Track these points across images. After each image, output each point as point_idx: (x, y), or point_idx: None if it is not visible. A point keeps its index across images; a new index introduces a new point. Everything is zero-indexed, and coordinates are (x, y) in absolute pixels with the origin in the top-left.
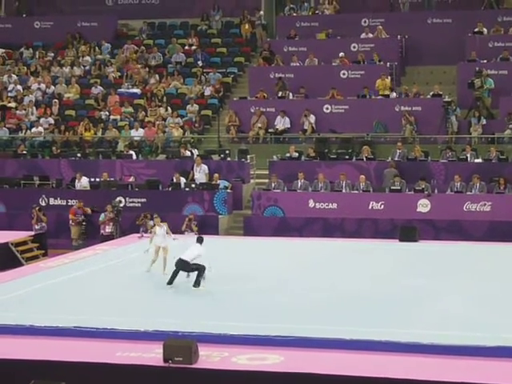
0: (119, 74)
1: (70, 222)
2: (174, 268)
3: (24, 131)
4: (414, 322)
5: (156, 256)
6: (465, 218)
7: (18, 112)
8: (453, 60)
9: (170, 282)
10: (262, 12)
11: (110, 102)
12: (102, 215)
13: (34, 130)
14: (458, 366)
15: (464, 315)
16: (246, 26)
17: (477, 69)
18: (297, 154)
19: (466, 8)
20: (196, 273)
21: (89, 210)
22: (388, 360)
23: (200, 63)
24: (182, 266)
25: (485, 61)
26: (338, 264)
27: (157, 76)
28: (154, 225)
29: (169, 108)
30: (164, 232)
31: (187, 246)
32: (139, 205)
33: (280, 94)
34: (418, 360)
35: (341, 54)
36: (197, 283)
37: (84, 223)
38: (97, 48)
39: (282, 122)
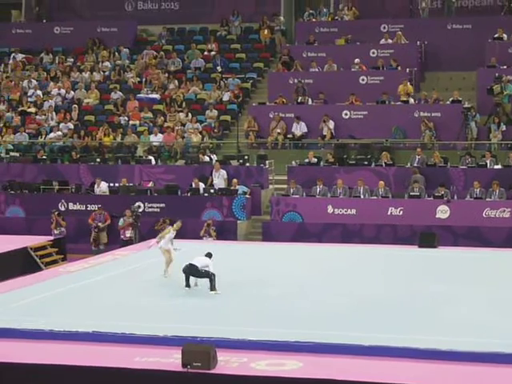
0: (138, 79)
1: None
2: (183, 273)
3: (44, 136)
4: (434, 329)
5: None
6: (484, 224)
7: (37, 117)
8: (472, 66)
9: (188, 285)
10: (281, 17)
11: (129, 107)
12: (121, 220)
13: (53, 135)
14: (476, 372)
15: (483, 322)
16: (266, 32)
17: (496, 75)
18: (315, 160)
19: (485, 14)
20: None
21: (108, 220)
22: (407, 366)
23: (219, 68)
24: (191, 271)
25: (505, 67)
26: (357, 270)
27: (176, 81)
28: (170, 228)
29: (188, 113)
30: (171, 238)
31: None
32: (158, 210)
33: (299, 99)
34: (437, 367)
35: (356, 61)
36: (213, 287)
37: (96, 230)
38: (116, 53)
39: (297, 128)
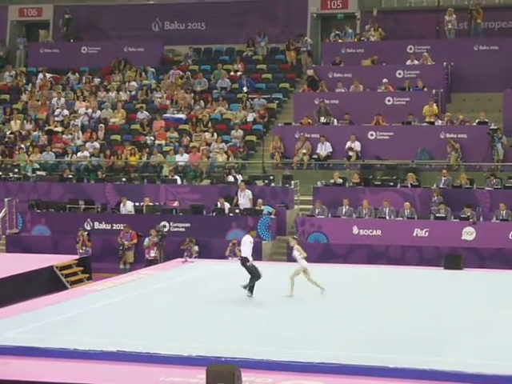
0: (167, 100)
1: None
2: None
3: (70, 155)
4: (459, 351)
5: None
6: (510, 246)
7: (64, 136)
8: (499, 87)
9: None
10: (307, 38)
11: (155, 127)
12: (147, 240)
13: (79, 154)
14: None
15: (510, 345)
16: (292, 53)
17: None
18: (341, 181)
19: None
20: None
21: (135, 239)
22: None
23: (245, 89)
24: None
25: None
26: (383, 291)
27: (202, 101)
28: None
29: (214, 133)
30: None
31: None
32: (183, 229)
33: (323, 119)
34: None
35: (384, 81)
36: (247, 286)
37: (121, 248)
38: (143, 73)
39: (323, 148)
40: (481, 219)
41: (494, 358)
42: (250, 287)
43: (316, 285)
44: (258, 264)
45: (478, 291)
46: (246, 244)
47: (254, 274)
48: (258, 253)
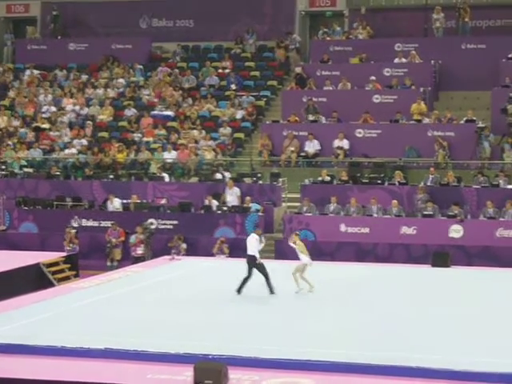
0: (155, 98)
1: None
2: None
3: (57, 152)
4: (447, 349)
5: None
6: (497, 244)
7: (51, 133)
8: (486, 85)
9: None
10: (296, 36)
11: (143, 124)
12: (133, 237)
13: (67, 151)
14: None
15: (497, 342)
16: (282, 51)
17: (510, 94)
18: (329, 178)
19: (500, 33)
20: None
21: (123, 236)
22: None
23: (233, 86)
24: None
25: None
26: (370, 289)
27: (190, 99)
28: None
29: (202, 131)
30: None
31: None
32: (171, 227)
33: (311, 117)
34: None
35: (372, 78)
36: (271, 289)
37: (109, 245)
38: (131, 70)
39: (311, 146)
40: (468, 217)
41: (482, 356)
42: (270, 287)
43: (307, 282)
44: (244, 261)
45: (466, 289)
46: (253, 242)
47: (264, 272)
48: (245, 250)
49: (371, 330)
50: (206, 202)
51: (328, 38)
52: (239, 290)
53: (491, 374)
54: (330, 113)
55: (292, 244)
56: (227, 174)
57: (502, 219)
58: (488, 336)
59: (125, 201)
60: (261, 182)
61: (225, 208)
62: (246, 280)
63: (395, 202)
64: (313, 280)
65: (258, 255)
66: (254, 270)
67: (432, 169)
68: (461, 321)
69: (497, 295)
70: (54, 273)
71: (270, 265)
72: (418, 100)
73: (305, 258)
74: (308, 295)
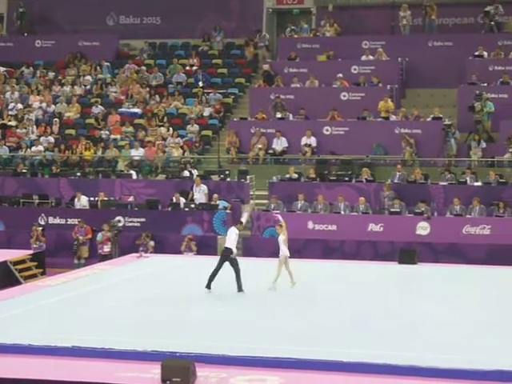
0: (122, 95)
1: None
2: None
3: (24, 150)
4: (412, 345)
5: None
6: (464, 241)
7: (18, 130)
8: (453, 83)
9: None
10: (265, 33)
11: (110, 121)
12: (100, 235)
13: (34, 148)
14: None
15: (462, 338)
16: (251, 49)
17: (477, 92)
18: (296, 176)
19: (466, 31)
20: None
21: (90, 234)
22: (386, 382)
23: (201, 84)
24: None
25: (485, 84)
26: (336, 286)
27: (157, 96)
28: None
29: (169, 128)
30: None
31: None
32: (138, 224)
33: (278, 114)
34: (415, 383)
35: (339, 75)
36: (239, 287)
37: (76, 243)
38: (98, 67)
39: (278, 143)
40: (435, 214)
41: (447, 352)
42: (239, 284)
43: (290, 277)
44: (214, 258)
45: (432, 286)
46: (231, 236)
47: (236, 268)
48: (213, 248)
49: (335, 327)
50: (174, 200)
51: (295, 36)
52: (209, 285)
53: (456, 370)
54: (297, 110)
55: (280, 237)
56: (195, 172)
57: (468, 216)
58: (453, 331)
59: (92, 198)
60: (228, 179)
61: (192, 205)
62: (214, 273)
63: (362, 199)
64: (282, 278)
65: (234, 250)
66: (226, 265)
67: (399, 166)
68: (426, 317)
69: (461, 291)
70: (20, 271)
71: (240, 262)
72: (385, 97)
73: (285, 250)
74: (277, 292)
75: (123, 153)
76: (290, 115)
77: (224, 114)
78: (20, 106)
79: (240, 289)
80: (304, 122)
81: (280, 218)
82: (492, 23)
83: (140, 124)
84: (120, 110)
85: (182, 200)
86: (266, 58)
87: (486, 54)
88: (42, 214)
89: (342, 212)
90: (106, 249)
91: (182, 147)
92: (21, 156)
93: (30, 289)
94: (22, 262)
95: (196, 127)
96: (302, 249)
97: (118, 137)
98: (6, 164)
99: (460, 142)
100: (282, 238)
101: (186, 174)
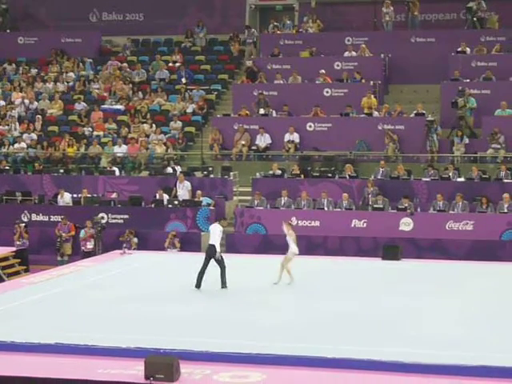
0: (105, 92)
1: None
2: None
3: (7, 147)
4: (396, 341)
5: None
6: (447, 236)
7: (0, 127)
8: (436, 79)
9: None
10: (254, 30)
11: (93, 118)
12: (82, 232)
13: (16, 145)
14: None
15: (446, 334)
16: (237, 45)
17: (460, 88)
18: (280, 172)
19: (449, 28)
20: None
21: (73, 231)
22: (369, 378)
23: (184, 80)
24: (210, 250)
25: (467, 80)
26: (320, 282)
27: (140, 93)
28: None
29: (152, 125)
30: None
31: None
32: (122, 221)
33: (262, 111)
34: (399, 379)
35: (321, 71)
36: (224, 284)
37: (59, 240)
38: (80, 64)
39: (262, 140)
40: (418, 210)
41: (430, 348)
42: (223, 281)
43: (289, 274)
44: (198, 255)
45: (415, 282)
46: (216, 233)
47: (222, 265)
48: (197, 244)
49: (319, 322)
50: (157, 196)
51: (278, 32)
52: (198, 285)
53: (439, 365)
54: (280, 106)
55: (288, 235)
56: (178, 168)
57: (451, 212)
58: (437, 327)
59: (75, 195)
60: (212, 175)
61: (176, 202)
62: (202, 272)
63: (346, 195)
64: (265, 274)
65: (218, 248)
66: (212, 261)
67: (382, 162)
68: (410, 313)
69: (445, 287)
70: (3, 268)
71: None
72: (368, 93)
73: (295, 247)
74: (262, 288)
75: (106, 149)
76: (274, 111)
77: (207, 111)
78: (2, 102)
79: (224, 285)
80: (287, 118)
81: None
82: (474, 19)
83: (123, 121)
84: (103, 106)
85: (166, 197)
86: (253, 54)
87: (468, 49)
88: (25, 211)
89: (326, 208)
90: (89, 246)
91: (165, 144)
92: (3, 153)
93: (14, 286)
94: (5, 259)
95: (179, 124)
96: (285, 245)
97: (101, 133)
98: None
99: (442, 138)
100: (292, 237)
101: (170, 170)
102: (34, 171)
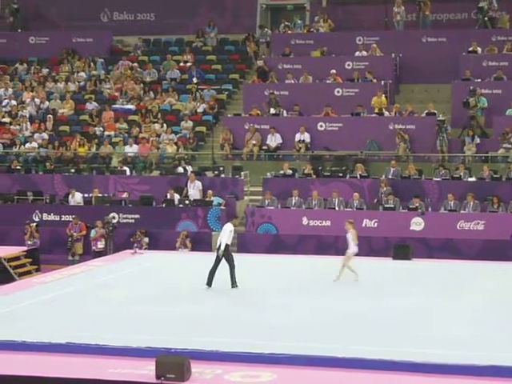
0: (116, 91)
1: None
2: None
3: (18, 146)
4: (409, 341)
5: None
6: (458, 236)
7: (12, 127)
8: (447, 78)
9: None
10: (267, 29)
11: (104, 117)
12: (93, 231)
13: (28, 145)
14: None
15: (456, 334)
16: (253, 45)
17: (471, 87)
18: (291, 172)
19: (460, 27)
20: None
21: (84, 230)
22: (380, 378)
23: (195, 80)
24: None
25: (479, 80)
26: (331, 282)
27: (151, 92)
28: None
29: (163, 124)
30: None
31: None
32: (133, 221)
33: (273, 110)
34: (412, 379)
35: (332, 71)
36: (233, 283)
37: (70, 240)
38: (92, 64)
39: (273, 139)
40: (429, 210)
41: (441, 348)
42: (233, 280)
43: (353, 271)
44: (209, 254)
45: (426, 281)
46: (226, 232)
47: (231, 264)
48: (208, 244)
49: (331, 322)
50: (168, 196)
51: (289, 32)
52: (209, 283)
53: (451, 365)
54: (291, 106)
55: (349, 234)
56: (189, 168)
57: (462, 212)
58: (448, 327)
59: (86, 195)
60: (223, 175)
61: (187, 202)
62: (213, 270)
63: (357, 194)
64: (276, 274)
65: (223, 246)
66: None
67: (393, 162)
68: (421, 313)
69: (456, 287)
70: (15, 267)
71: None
72: (379, 93)
73: (354, 246)
74: (272, 288)
75: (117, 149)
76: (284, 111)
77: (218, 110)
78: (14, 102)
79: (234, 284)
80: (298, 118)
81: (350, 237)
82: (486, 19)
83: (134, 120)
84: (114, 106)
85: (177, 196)
86: (265, 54)
87: (479, 49)
88: (37, 211)
89: (337, 208)
90: (100, 245)
91: (176, 143)
92: (15, 153)
93: (25, 285)
94: (17, 258)
95: (190, 123)
96: (296, 245)
97: (112, 133)
98: None
99: (453, 138)
100: (352, 237)
101: (180, 170)
102: (46, 171)
